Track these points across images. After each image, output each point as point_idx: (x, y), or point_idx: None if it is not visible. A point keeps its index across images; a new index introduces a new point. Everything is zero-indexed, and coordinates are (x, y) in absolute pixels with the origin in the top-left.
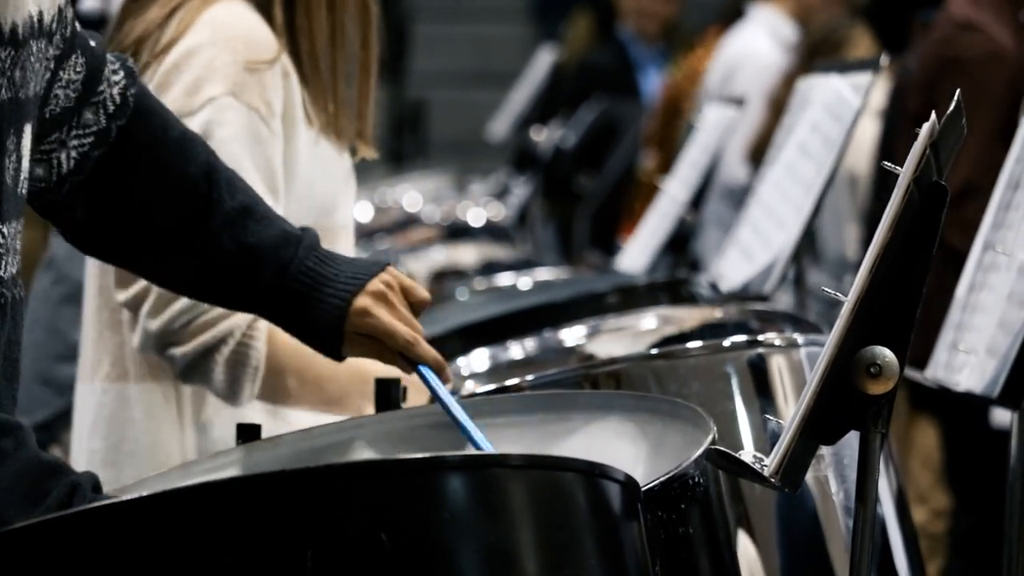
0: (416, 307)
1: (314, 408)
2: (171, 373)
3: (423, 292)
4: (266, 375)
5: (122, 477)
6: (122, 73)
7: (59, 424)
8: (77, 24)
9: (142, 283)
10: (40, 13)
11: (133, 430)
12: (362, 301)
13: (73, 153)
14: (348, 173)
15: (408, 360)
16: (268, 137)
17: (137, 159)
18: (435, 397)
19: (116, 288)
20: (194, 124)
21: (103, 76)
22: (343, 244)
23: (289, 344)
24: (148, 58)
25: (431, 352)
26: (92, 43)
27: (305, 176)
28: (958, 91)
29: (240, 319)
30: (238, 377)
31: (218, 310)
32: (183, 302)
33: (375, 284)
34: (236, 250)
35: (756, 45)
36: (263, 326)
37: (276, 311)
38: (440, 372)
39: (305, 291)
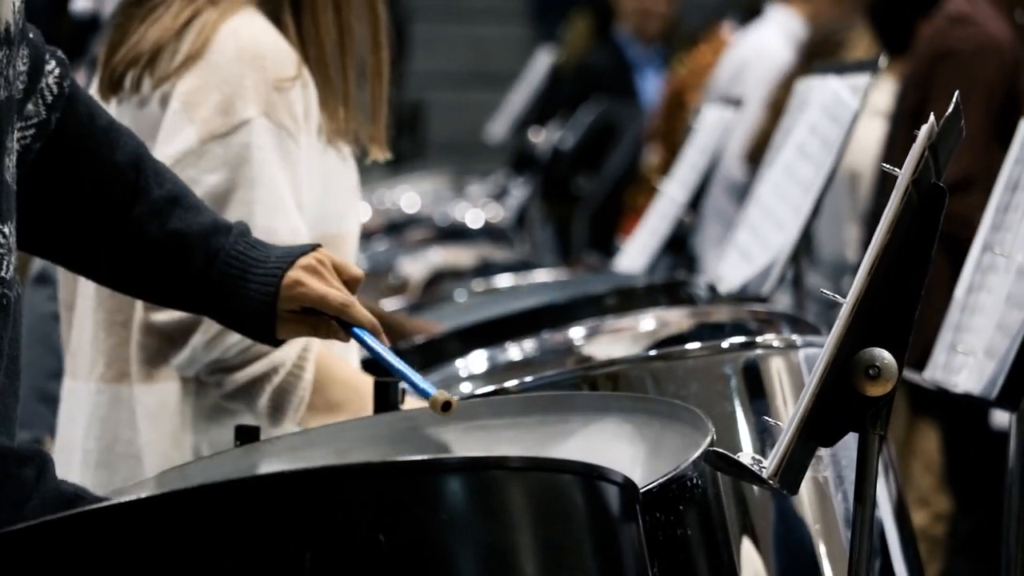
0: (350, 284)
1: None
2: (171, 373)
3: (356, 269)
4: (317, 412)
5: (114, 479)
6: (54, 63)
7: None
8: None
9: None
10: (17, 12)
11: (127, 432)
12: (293, 274)
13: (16, 146)
14: (353, 179)
15: (343, 325)
16: (296, 155)
17: (69, 150)
18: (372, 353)
19: (150, 310)
20: (232, 147)
21: (43, 68)
22: (349, 251)
23: (329, 372)
24: (168, 69)
25: (366, 314)
26: (31, 34)
27: (310, 184)
28: (956, 92)
29: (291, 350)
30: (282, 406)
31: None
32: (237, 335)
33: (306, 259)
34: (164, 238)
35: (768, 45)
36: (312, 358)
37: (206, 299)
38: (376, 335)
39: (236, 275)
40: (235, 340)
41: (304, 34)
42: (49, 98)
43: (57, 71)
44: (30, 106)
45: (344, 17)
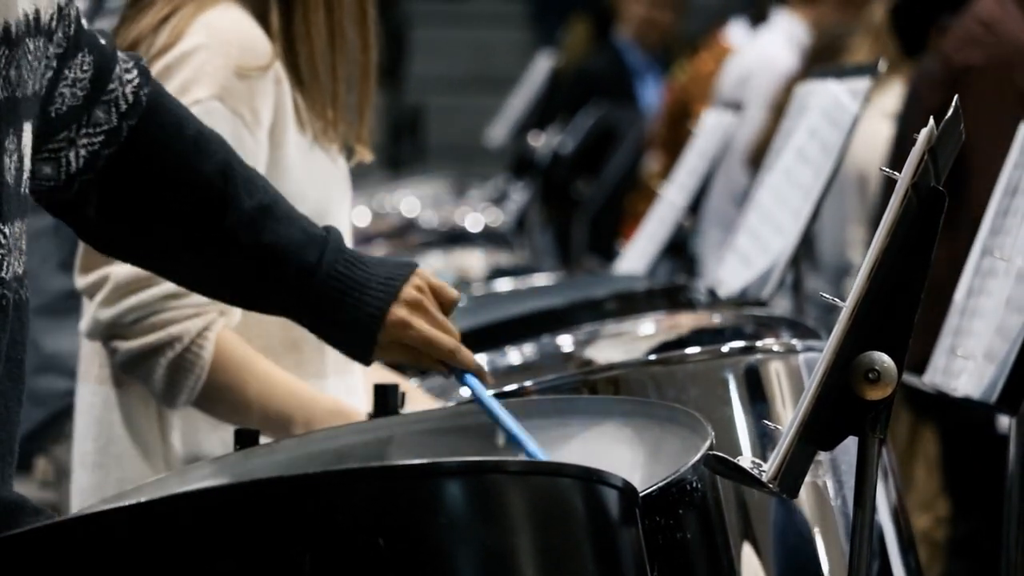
0: (446, 307)
1: (249, 425)
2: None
3: (452, 291)
4: (208, 387)
5: (108, 479)
6: (136, 72)
7: (43, 435)
8: (84, 22)
9: (102, 271)
10: (36, 11)
11: (120, 432)
12: (399, 312)
13: (83, 152)
14: (343, 179)
15: (449, 368)
16: (252, 146)
17: (150, 157)
18: (481, 404)
19: (77, 274)
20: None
21: (113, 75)
22: None
23: (235, 357)
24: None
25: (472, 359)
26: (102, 41)
27: (297, 183)
28: (956, 97)
29: (192, 325)
30: (177, 382)
31: (172, 312)
32: (138, 297)
33: (409, 292)
34: (255, 249)
35: (772, 53)
36: (213, 337)
37: (304, 314)
38: (481, 377)
39: (336, 296)
40: (133, 302)
41: (294, 34)
42: (123, 106)
43: (136, 80)
44: (99, 113)
45: (336, 18)
